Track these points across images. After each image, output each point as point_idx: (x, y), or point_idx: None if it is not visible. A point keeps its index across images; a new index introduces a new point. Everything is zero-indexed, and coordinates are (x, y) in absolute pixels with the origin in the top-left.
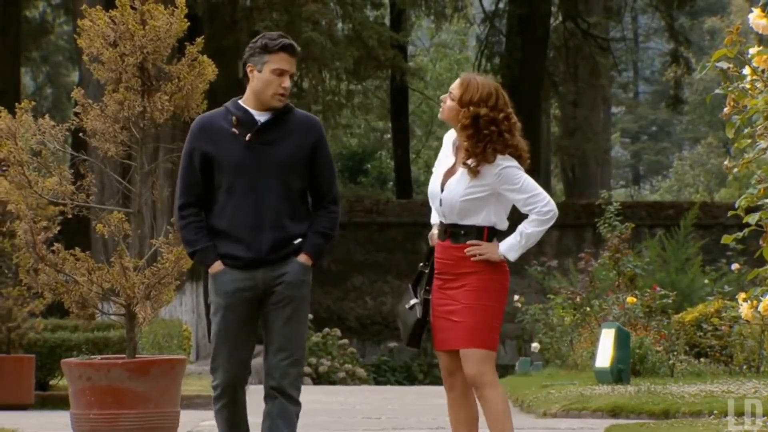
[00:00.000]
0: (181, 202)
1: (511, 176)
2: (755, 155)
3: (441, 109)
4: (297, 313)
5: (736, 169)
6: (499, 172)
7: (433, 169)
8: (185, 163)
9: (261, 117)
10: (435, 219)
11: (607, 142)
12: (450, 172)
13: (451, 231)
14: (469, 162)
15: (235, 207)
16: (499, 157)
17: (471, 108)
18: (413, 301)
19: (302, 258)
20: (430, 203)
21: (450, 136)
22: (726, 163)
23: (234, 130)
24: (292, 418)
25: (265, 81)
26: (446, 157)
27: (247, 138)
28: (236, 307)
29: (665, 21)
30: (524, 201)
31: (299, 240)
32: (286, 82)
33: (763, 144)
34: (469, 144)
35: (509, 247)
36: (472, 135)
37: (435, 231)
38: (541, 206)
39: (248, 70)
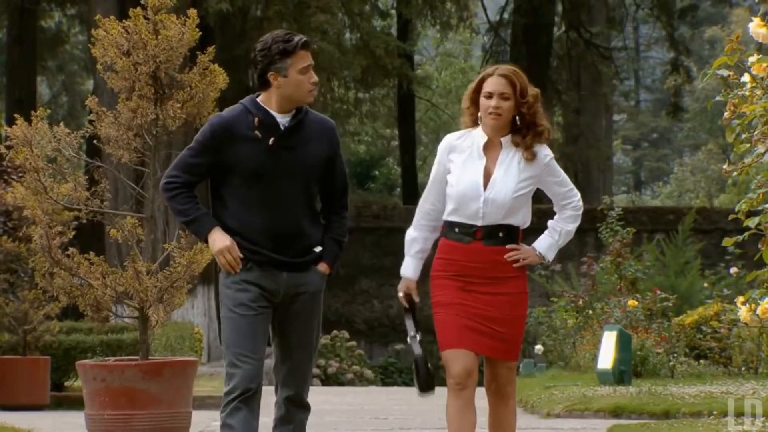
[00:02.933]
0: (173, 178)
1: (555, 167)
2: (753, 160)
3: (499, 116)
4: (315, 323)
5: (735, 173)
6: (548, 162)
7: (434, 175)
8: (192, 151)
9: (283, 120)
10: (408, 270)
11: (609, 149)
12: (487, 172)
13: (486, 232)
14: (526, 154)
15: (258, 214)
16: (541, 145)
17: (529, 93)
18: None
19: (323, 267)
20: (455, 206)
21: (459, 140)
22: (725, 167)
23: (256, 132)
24: (304, 427)
25: (296, 83)
26: (471, 159)
27: (270, 143)
28: (253, 301)
29: (666, 31)
30: (563, 194)
31: (320, 248)
32: (314, 77)
33: (761, 149)
34: (525, 133)
35: (548, 247)
36: (522, 119)
37: (410, 282)
38: (577, 201)
39: (271, 78)
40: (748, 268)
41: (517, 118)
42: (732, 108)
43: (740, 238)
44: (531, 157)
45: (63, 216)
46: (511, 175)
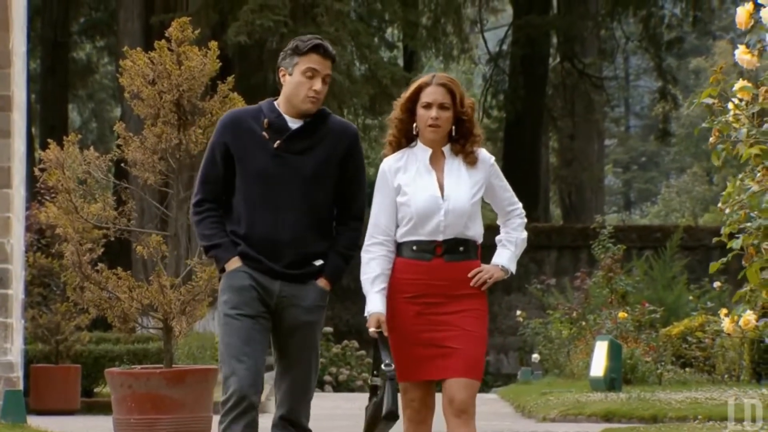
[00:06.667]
0: (199, 198)
1: (499, 170)
2: (747, 197)
3: (438, 128)
4: (312, 339)
5: (728, 210)
6: (493, 163)
7: (381, 201)
8: (208, 157)
9: (294, 124)
10: (377, 305)
11: (601, 172)
12: (440, 184)
13: (447, 247)
14: (467, 159)
15: (256, 216)
16: (479, 149)
17: (466, 104)
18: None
19: (322, 282)
20: (413, 225)
21: (400, 160)
22: (720, 205)
23: (264, 133)
24: None
25: (295, 83)
26: (420, 175)
27: (275, 145)
28: (251, 305)
29: (654, 61)
30: (509, 200)
31: (320, 262)
32: (318, 85)
33: (755, 187)
34: (463, 140)
35: (509, 259)
36: (459, 129)
37: (381, 316)
38: (521, 208)
39: (280, 74)
40: (730, 282)
41: (454, 128)
42: (717, 133)
43: (725, 260)
44: (473, 161)
45: (93, 234)
46: (463, 181)
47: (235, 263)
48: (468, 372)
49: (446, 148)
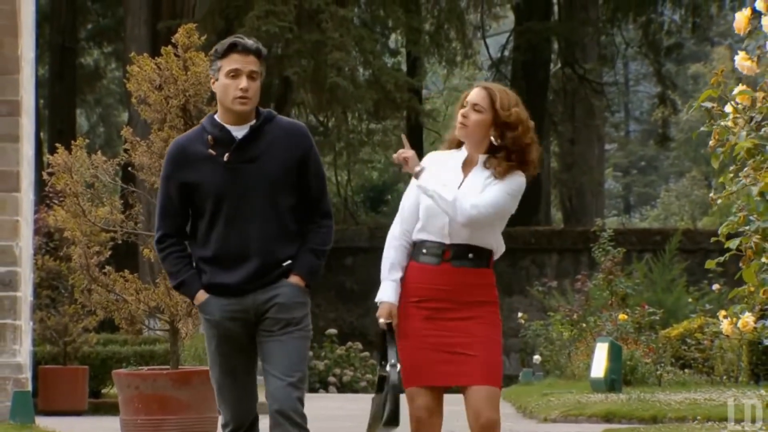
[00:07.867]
0: (161, 234)
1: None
2: (738, 189)
3: (464, 126)
4: (293, 335)
5: (720, 201)
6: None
7: (413, 192)
8: (163, 191)
9: (239, 132)
10: (389, 294)
11: (601, 176)
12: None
13: (455, 252)
14: (498, 174)
15: (220, 234)
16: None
17: (515, 116)
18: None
19: (293, 279)
20: (423, 222)
21: (441, 157)
22: (711, 195)
23: (211, 151)
24: None
25: (223, 87)
26: (447, 174)
27: (225, 159)
28: (229, 334)
29: (653, 67)
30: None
31: (289, 261)
32: (243, 83)
33: (744, 180)
34: (510, 160)
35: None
36: (503, 143)
37: (392, 307)
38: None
39: (212, 83)
40: (728, 285)
41: (493, 137)
42: (717, 137)
43: (722, 259)
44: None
45: (100, 237)
46: (475, 191)
47: (202, 297)
48: (488, 379)
49: (482, 157)
